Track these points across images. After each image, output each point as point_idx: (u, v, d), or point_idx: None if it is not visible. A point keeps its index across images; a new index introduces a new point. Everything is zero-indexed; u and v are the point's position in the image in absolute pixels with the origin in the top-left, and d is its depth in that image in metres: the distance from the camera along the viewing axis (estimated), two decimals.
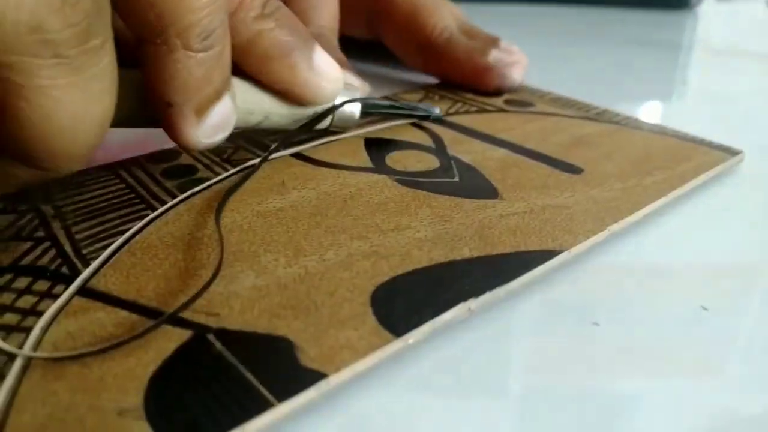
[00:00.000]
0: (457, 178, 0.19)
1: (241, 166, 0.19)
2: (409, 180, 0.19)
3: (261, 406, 0.11)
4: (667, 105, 0.29)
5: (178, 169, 0.19)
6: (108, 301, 0.13)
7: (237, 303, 0.13)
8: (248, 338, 0.12)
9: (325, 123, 0.20)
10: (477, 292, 0.14)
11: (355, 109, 0.21)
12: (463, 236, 0.16)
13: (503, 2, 0.50)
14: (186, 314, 0.13)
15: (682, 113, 0.28)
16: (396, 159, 0.20)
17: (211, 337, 0.12)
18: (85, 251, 0.15)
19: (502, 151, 0.21)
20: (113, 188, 0.18)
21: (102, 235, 0.16)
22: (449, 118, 0.24)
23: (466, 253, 0.15)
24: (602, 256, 0.16)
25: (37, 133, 0.12)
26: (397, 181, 0.19)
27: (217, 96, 0.16)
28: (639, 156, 0.20)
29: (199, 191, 0.18)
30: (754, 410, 0.12)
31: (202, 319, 0.13)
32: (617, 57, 0.36)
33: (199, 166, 0.20)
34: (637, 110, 0.28)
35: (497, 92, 0.26)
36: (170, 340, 0.12)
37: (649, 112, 0.28)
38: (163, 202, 0.17)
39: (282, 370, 0.12)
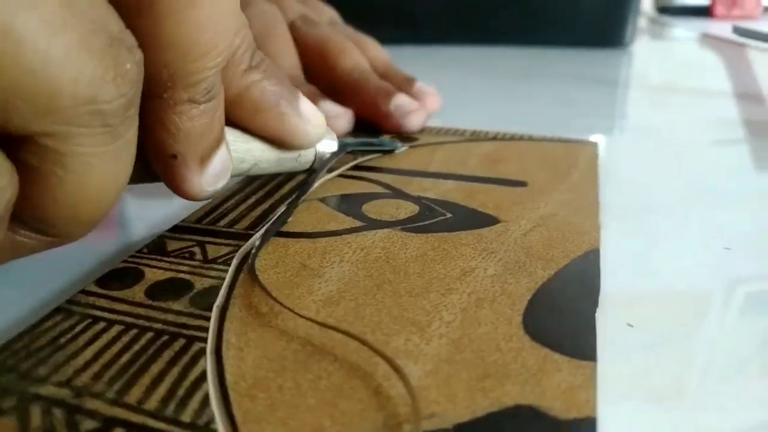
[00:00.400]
0: (449, 215, 0.19)
1: (236, 261, 0.17)
2: (414, 227, 0.19)
3: None
4: (609, 138, 0.30)
5: (162, 286, 0.15)
6: None
7: (435, 395, 0.12)
8: (492, 421, 0.11)
9: (308, 162, 0.21)
10: (594, 302, 0.15)
11: (333, 148, 0.21)
12: (522, 261, 0.17)
13: (448, 45, 0.50)
14: (405, 430, 0.11)
15: (625, 145, 0.29)
16: (375, 212, 0.20)
17: None
18: (186, 418, 0.11)
19: (450, 183, 0.22)
20: (112, 334, 0.14)
21: (180, 393, 0.12)
22: (367, 164, 0.24)
23: (542, 273, 0.16)
24: None
25: (65, 200, 0.12)
26: (404, 230, 0.18)
27: (218, 144, 0.16)
28: (544, 161, 0.24)
29: (226, 304, 0.15)
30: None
31: (428, 427, 0.11)
32: (558, 94, 0.38)
33: (185, 276, 0.16)
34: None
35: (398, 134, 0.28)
36: None
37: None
38: (201, 329, 0.14)
39: None
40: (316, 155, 0.21)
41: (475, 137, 0.27)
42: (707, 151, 0.28)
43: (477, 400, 0.12)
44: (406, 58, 0.46)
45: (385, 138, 0.26)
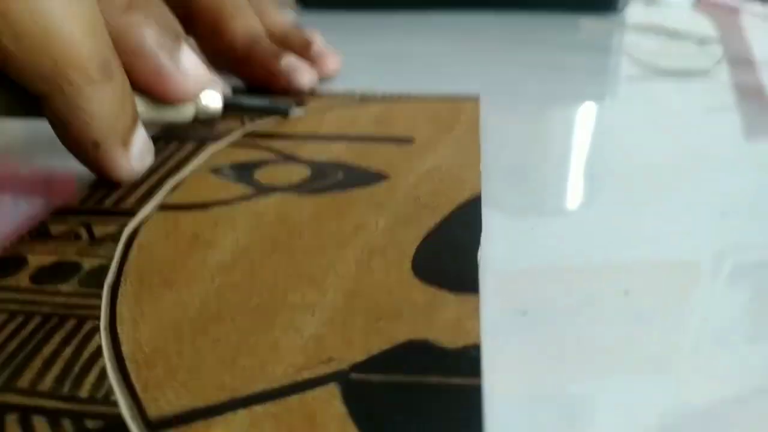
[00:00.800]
0: (341, 176, 0.20)
1: (125, 237, 0.16)
2: (307, 189, 0.19)
3: (460, 396, 0.11)
4: (601, 105, 0.29)
5: (48, 270, 0.15)
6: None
7: (332, 342, 0.13)
8: (386, 357, 0.12)
9: (189, 115, 0.21)
10: (477, 242, 0.16)
11: (217, 103, 0.22)
12: (411, 212, 0.17)
13: (434, 11, 0.47)
14: (304, 376, 0.12)
15: (616, 112, 0.29)
16: (267, 178, 0.20)
17: (355, 376, 0.12)
18: (83, 394, 0.11)
19: (341, 144, 0.22)
20: None
21: (75, 371, 0.12)
22: (257, 131, 0.24)
23: (429, 221, 0.17)
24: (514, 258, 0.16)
25: None
26: (298, 193, 0.19)
27: (134, 123, 0.18)
28: (429, 118, 0.25)
29: (117, 281, 0.15)
30: (700, 403, 0.12)
31: (326, 370, 0.12)
32: (548, 60, 0.36)
33: (72, 258, 0.15)
34: (573, 111, 0.28)
35: (288, 94, 0.27)
36: (328, 398, 0.11)
37: (584, 113, 0.28)
38: (93, 308, 0.14)
39: (450, 364, 0.12)
40: (197, 108, 0.21)
41: (365, 99, 0.27)
42: (700, 118, 0.28)
43: (372, 341, 0.13)
44: (390, 26, 0.45)
45: (278, 100, 0.26)
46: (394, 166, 0.20)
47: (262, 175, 0.20)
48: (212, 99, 0.22)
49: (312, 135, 0.23)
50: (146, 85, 0.19)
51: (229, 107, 0.23)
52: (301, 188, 0.19)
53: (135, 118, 0.18)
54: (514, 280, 0.15)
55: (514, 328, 0.14)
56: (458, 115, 0.25)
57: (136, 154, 0.18)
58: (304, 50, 0.30)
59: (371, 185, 0.19)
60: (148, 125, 0.20)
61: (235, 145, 0.22)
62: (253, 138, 0.23)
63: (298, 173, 0.20)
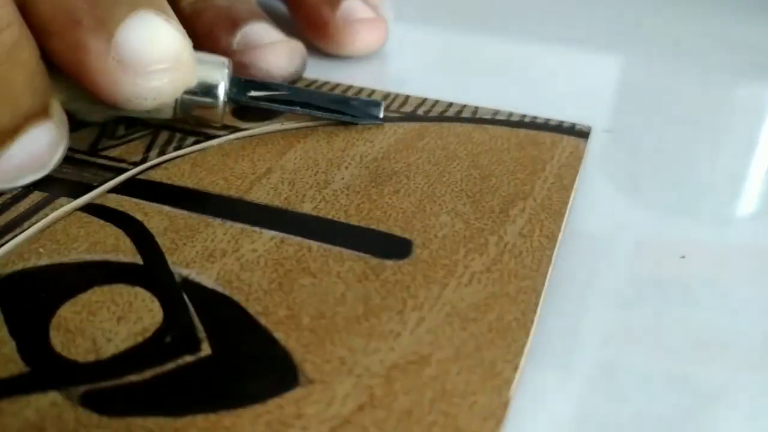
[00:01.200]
0: (207, 351, 0.09)
1: None
2: (111, 392, 0.09)
3: None
4: None
5: None
6: None
7: None
8: None
9: (166, 113, 0.14)
10: None
11: (218, 93, 0.14)
12: None
13: None
14: None
15: None
16: (75, 328, 0.10)
17: None
18: None
19: (267, 237, 0.12)
20: None
21: None
22: (155, 176, 0.13)
23: None
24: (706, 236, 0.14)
25: None
26: (85, 405, 0.09)
27: (17, 127, 0.12)
28: (476, 178, 0.13)
29: None
30: None
31: None
32: (716, 24, 0.26)
33: None
34: (733, 86, 0.21)
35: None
36: None
37: (747, 89, 0.21)
38: None
39: None
40: (177, 102, 0.14)
41: (385, 112, 0.16)
42: None
43: None
44: None
45: (359, 98, 0.16)
46: (326, 335, 0.10)
47: (68, 318, 0.10)
48: (205, 87, 0.14)
49: (231, 199, 0.13)
50: (67, 71, 0.12)
51: (247, 104, 0.15)
52: (107, 382, 0.09)
53: (18, 118, 0.12)
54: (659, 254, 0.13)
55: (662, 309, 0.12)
56: (532, 179, 0.13)
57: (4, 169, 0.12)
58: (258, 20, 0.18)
59: (252, 405, 0.09)
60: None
61: (92, 209, 0.12)
62: (131, 194, 0.13)
63: (138, 323, 0.10)
